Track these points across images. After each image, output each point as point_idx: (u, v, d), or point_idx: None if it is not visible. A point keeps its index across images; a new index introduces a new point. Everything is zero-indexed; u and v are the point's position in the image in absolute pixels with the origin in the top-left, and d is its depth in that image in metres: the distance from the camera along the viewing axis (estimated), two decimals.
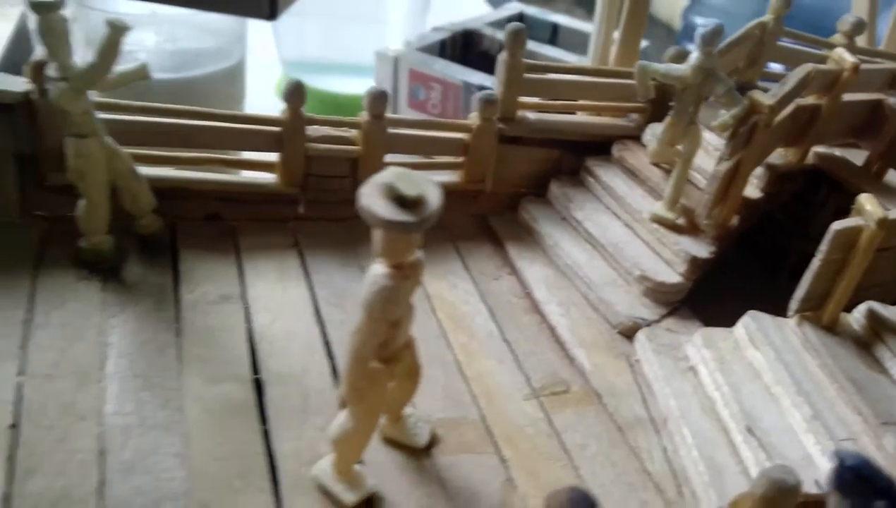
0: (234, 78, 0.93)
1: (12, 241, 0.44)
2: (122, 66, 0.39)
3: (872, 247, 0.40)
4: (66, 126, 0.40)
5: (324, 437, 0.37)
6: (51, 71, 0.39)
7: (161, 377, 0.39)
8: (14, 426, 0.34)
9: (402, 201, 0.27)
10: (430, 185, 0.28)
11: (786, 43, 0.61)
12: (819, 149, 0.55)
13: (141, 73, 0.40)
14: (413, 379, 0.35)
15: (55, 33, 0.37)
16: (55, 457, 0.33)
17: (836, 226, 0.40)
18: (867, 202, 0.40)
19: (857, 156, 0.56)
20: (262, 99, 1.00)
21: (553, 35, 1.37)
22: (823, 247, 0.41)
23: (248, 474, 0.35)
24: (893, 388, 0.40)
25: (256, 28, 1.20)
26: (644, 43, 0.64)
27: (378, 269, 0.30)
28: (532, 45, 0.96)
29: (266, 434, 0.37)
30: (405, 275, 0.30)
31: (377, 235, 0.29)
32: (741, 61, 0.62)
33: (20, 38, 1.07)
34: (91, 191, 0.41)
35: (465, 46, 1.25)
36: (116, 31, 0.37)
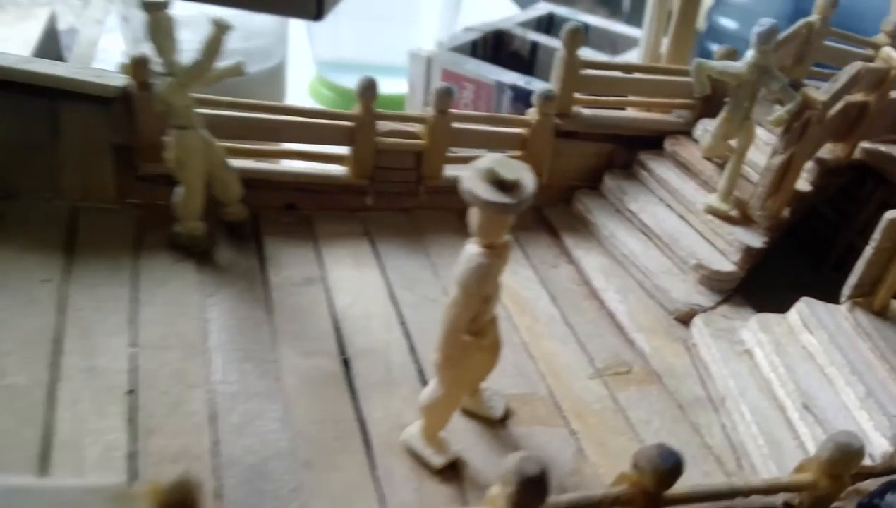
0: (275, 78, 0.96)
1: (111, 226, 0.47)
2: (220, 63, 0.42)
3: None
4: (170, 118, 0.43)
5: (408, 406, 0.40)
6: (156, 66, 0.42)
7: (258, 350, 0.42)
8: (132, 391, 0.38)
9: (501, 184, 0.30)
10: (525, 171, 0.31)
11: (831, 42, 0.63)
12: (866, 144, 0.57)
13: (236, 70, 0.43)
14: (495, 353, 0.38)
15: (162, 31, 0.40)
16: (172, 420, 0.37)
17: (890, 215, 0.42)
18: None
19: None
20: (297, 99, 1.03)
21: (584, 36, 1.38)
22: (876, 235, 0.43)
23: (344, 437, 0.38)
24: None
25: (291, 29, 1.23)
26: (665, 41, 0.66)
27: (474, 248, 0.33)
28: (559, 44, 0.99)
29: (356, 403, 0.40)
30: (498, 254, 0.33)
31: (474, 216, 0.32)
32: (788, 60, 0.64)
33: (49, 38, 1.11)
34: (189, 180, 0.45)
35: (495, 46, 1.27)
36: (220, 29, 0.40)
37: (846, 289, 0.45)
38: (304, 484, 0.35)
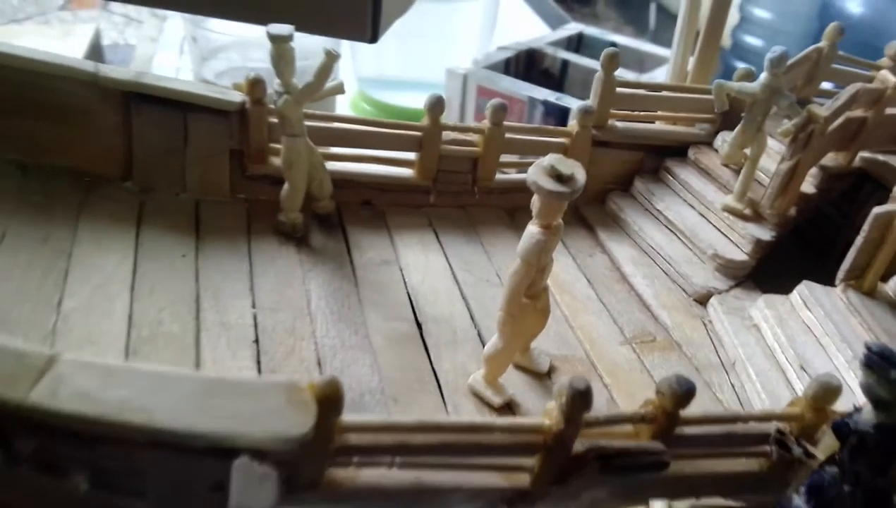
0: (325, 101, 1.06)
1: (227, 215, 0.58)
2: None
3: None
4: (284, 128, 0.53)
5: (471, 360, 0.49)
6: (275, 86, 0.52)
7: (350, 314, 0.52)
8: (256, 341, 0.48)
9: (559, 177, 0.39)
10: (579, 167, 0.40)
11: (838, 66, 0.72)
12: (865, 154, 0.65)
13: (339, 89, 0.54)
14: (545, 315, 0.47)
15: (285, 59, 0.50)
16: (288, 364, 0.47)
17: (877, 210, 0.51)
18: None
19: None
20: (340, 112, 1.13)
21: None
22: (865, 227, 0.51)
23: (421, 381, 0.48)
24: None
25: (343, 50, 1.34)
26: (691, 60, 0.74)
27: (534, 228, 0.42)
28: (589, 62, 1.08)
29: (429, 357, 0.50)
30: (553, 233, 0.42)
31: (536, 202, 0.41)
32: (800, 80, 0.72)
33: (94, 53, 1.22)
34: (295, 178, 0.55)
35: (528, 64, 1.37)
36: (331, 57, 0.50)
37: (840, 273, 0.54)
38: (392, 415, 0.45)
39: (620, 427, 0.38)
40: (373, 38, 1.20)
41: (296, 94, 0.51)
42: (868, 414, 0.35)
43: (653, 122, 0.73)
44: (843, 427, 0.36)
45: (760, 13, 1.92)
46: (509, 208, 0.68)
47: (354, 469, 0.37)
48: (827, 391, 0.39)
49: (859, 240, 0.52)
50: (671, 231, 0.64)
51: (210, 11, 1.10)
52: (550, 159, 0.40)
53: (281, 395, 0.31)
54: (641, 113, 0.71)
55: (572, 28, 1.72)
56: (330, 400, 0.32)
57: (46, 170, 0.52)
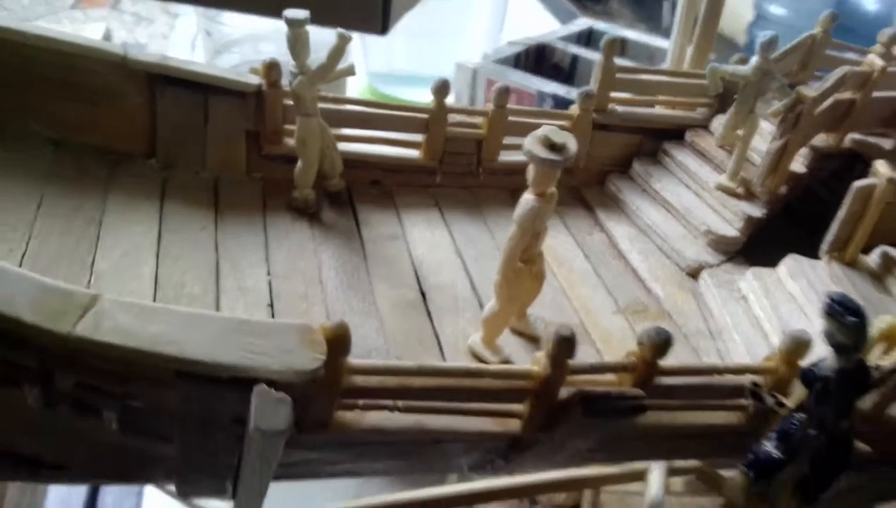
0: (335, 89, 1.09)
1: (244, 192, 0.61)
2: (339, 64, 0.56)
3: (883, 201, 0.53)
4: (298, 108, 0.57)
5: (470, 325, 0.53)
6: (290, 68, 0.56)
7: (359, 283, 0.55)
8: (271, 305, 0.51)
9: (552, 146, 0.42)
10: (570, 137, 0.43)
11: (832, 52, 0.74)
12: (855, 135, 0.67)
13: (350, 71, 0.57)
14: (540, 281, 0.51)
15: (301, 42, 0.54)
16: None
17: (857, 183, 0.53)
18: (881, 166, 0.53)
19: (889, 143, 0.68)
20: None
21: (622, 48, 1.51)
22: (847, 200, 0.54)
23: (424, 343, 0.51)
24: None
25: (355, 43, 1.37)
26: (712, 56, 0.77)
27: (529, 196, 0.45)
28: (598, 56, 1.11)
29: (432, 321, 0.53)
30: (546, 201, 0.45)
31: (531, 172, 0.45)
32: (795, 66, 0.75)
33: None
34: (308, 156, 0.59)
35: (537, 59, 1.40)
36: (343, 40, 0.54)
37: (824, 246, 0.56)
38: None
39: (604, 376, 0.41)
40: (383, 31, 1.24)
41: (309, 75, 0.55)
42: (830, 361, 0.38)
43: (653, 107, 0.76)
44: (808, 375, 0.39)
45: (776, 10, 1.93)
46: (512, 189, 0.71)
47: (360, 412, 0.40)
48: (799, 345, 0.42)
49: (841, 214, 0.55)
50: (667, 210, 0.67)
51: (226, 4, 1.14)
52: (545, 130, 0.43)
53: (296, 335, 0.35)
54: (640, 97, 0.74)
55: (582, 23, 1.74)
56: (339, 340, 0.35)
57: (77, 147, 0.56)
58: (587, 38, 1.74)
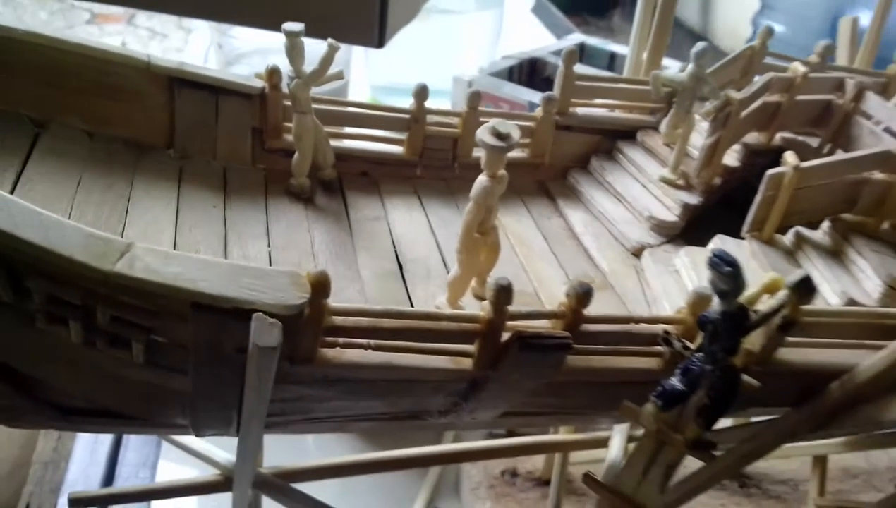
0: (340, 96, 1.19)
1: (249, 179, 0.71)
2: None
3: (792, 186, 0.62)
4: (294, 107, 0.67)
5: (439, 290, 0.62)
6: (287, 72, 0.66)
7: (345, 255, 0.65)
8: None
9: (499, 135, 0.52)
10: (514, 128, 0.53)
11: (769, 61, 0.84)
12: (785, 134, 0.77)
13: (339, 76, 0.67)
14: (495, 251, 0.60)
15: (297, 50, 0.64)
16: None
17: (770, 171, 0.63)
18: (789, 156, 0.62)
19: (816, 141, 0.77)
20: None
21: (611, 62, 1.61)
22: (762, 186, 0.63)
23: (398, 303, 0.60)
24: None
25: (352, 56, 1.47)
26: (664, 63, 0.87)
27: (483, 177, 0.55)
28: (590, 70, 1.20)
29: (406, 287, 0.62)
30: (497, 182, 0.55)
31: (483, 157, 0.54)
32: (737, 74, 0.84)
33: None
34: (303, 148, 0.68)
35: (530, 72, 1.50)
36: (332, 49, 0.63)
37: (745, 226, 0.65)
38: None
39: (539, 322, 0.51)
40: (380, 44, 1.35)
41: (304, 78, 0.64)
42: (716, 306, 0.47)
43: (613, 110, 0.86)
44: (702, 320, 0.48)
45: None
46: None
47: (340, 350, 0.49)
48: (702, 299, 0.51)
49: (758, 198, 0.64)
50: (617, 199, 0.77)
51: (234, 19, 1.25)
52: (493, 122, 0.52)
53: (286, 279, 0.44)
54: (599, 102, 0.84)
55: (574, 38, 1.85)
56: (320, 284, 0.45)
57: (108, 138, 0.65)
58: (579, 53, 1.84)
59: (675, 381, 0.49)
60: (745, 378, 0.49)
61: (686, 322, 0.52)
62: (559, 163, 0.83)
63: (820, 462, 1.00)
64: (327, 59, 0.64)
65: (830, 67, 0.86)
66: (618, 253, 0.71)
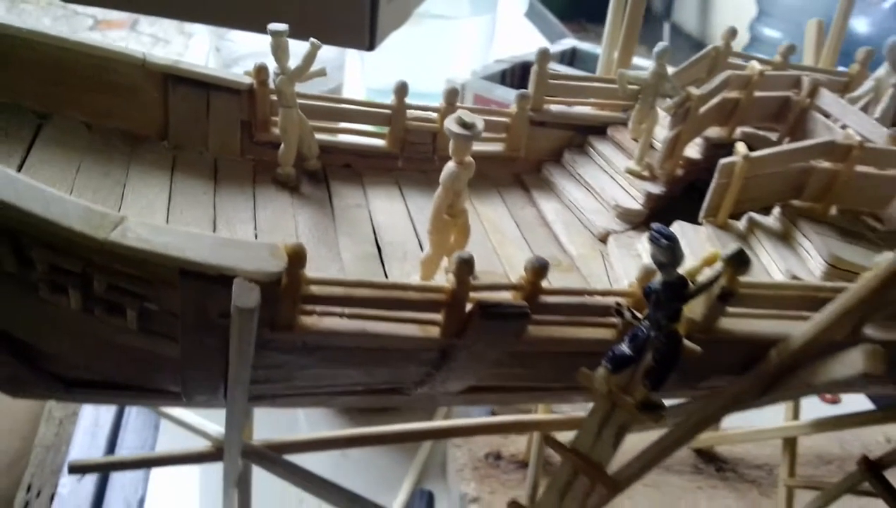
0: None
1: (238, 170, 0.75)
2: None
3: (743, 174, 0.66)
4: (280, 101, 0.71)
5: (414, 270, 0.66)
6: (274, 69, 0.70)
7: (327, 238, 0.69)
8: None
9: (464, 124, 0.57)
10: (479, 119, 0.57)
11: (733, 60, 0.88)
12: (745, 128, 0.81)
13: (321, 73, 0.72)
14: (465, 234, 0.64)
15: (281, 48, 0.68)
16: None
17: (722, 161, 0.67)
18: (740, 147, 0.66)
19: (775, 136, 0.82)
20: None
21: None
22: (716, 174, 0.68)
23: (377, 278, 0.65)
24: (756, 259, 0.66)
25: (347, 58, 1.52)
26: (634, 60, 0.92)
27: (451, 164, 0.59)
28: (566, 70, 1.25)
29: (384, 267, 0.67)
30: (464, 168, 0.59)
31: (451, 145, 0.59)
32: (703, 73, 0.89)
33: None
34: (289, 140, 0.73)
35: (523, 76, 1.55)
36: (314, 47, 0.68)
37: (701, 212, 0.70)
38: None
39: (502, 295, 0.55)
40: (370, 47, 1.40)
41: (289, 74, 0.69)
42: (658, 276, 0.51)
43: (587, 107, 0.90)
44: (647, 290, 0.52)
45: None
46: None
47: (318, 317, 0.54)
48: (649, 273, 0.55)
49: (712, 186, 0.68)
50: (587, 189, 0.81)
51: (226, 23, 1.30)
52: (459, 112, 0.57)
53: (266, 250, 0.48)
54: (572, 99, 0.88)
55: (566, 43, 1.90)
56: (296, 255, 0.49)
57: (106, 130, 0.70)
58: (570, 57, 1.89)
59: (623, 347, 0.53)
60: (687, 343, 0.53)
61: (636, 294, 0.57)
62: (534, 156, 0.87)
63: (790, 444, 1.05)
64: (310, 57, 0.68)
65: (794, 67, 0.90)
66: (586, 239, 0.76)
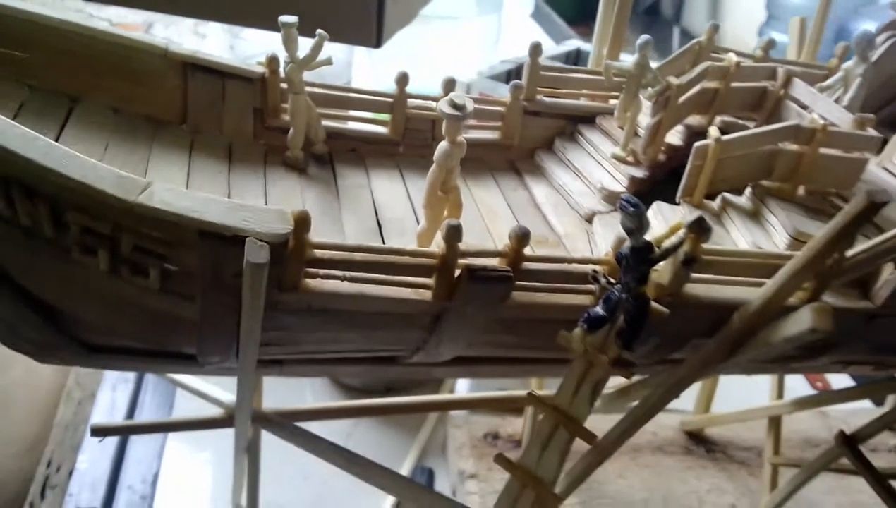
0: None
1: (251, 153, 0.81)
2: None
3: (716, 157, 0.72)
4: (289, 88, 0.77)
5: (411, 243, 0.72)
6: (285, 58, 0.76)
7: (331, 214, 0.75)
8: None
9: (455, 106, 0.62)
10: (469, 101, 0.63)
11: (715, 55, 0.93)
12: (725, 117, 0.87)
13: (328, 62, 0.78)
14: (457, 210, 0.70)
15: (291, 39, 0.74)
16: None
17: (696, 144, 0.72)
18: (712, 130, 0.72)
19: (753, 124, 0.87)
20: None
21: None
22: (690, 156, 0.73)
23: None
24: (727, 234, 0.72)
25: (356, 57, 1.58)
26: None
27: (443, 143, 0.65)
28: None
29: (383, 240, 0.73)
30: (456, 146, 0.65)
31: (444, 125, 0.64)
32: (687, 65, 0.94)
33: None
34: (297, 124, 0.79)
35: None
36: (321, 37, 0.74)
37: (678, 192, 0.75)
38: None
39: (488, 260, 0.61)
40: (377, 44, 1.46)
41: (298, 63, 0.75)
42: (627, 242, 0.57)
43: (579, 99, 0.96)
44: (618, 256, 0.58)
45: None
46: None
47: (321, 281, 0.59)
48: (621, 242, 0.61)
49: (688, 167, 0.73)
50: (575, 174, 0.87)
51: (238, 20, 1.36)
52: (451, 95, 0.63)
53: (275, 214, 0.54)
54: (564, 91, 0.94)
55: (571, 44, 1.96)
56: (302, 220, 0.55)
57: (131, 114, 0.76)
58: (575, 58, 1.94)
59: (598, 309, 0.59)
60: (655, 305, 0.58)
61: (611, 262, 0.62)
62: (528, 144, 0.93)
63: (775, 423, 1.09)
64: (317, 46, 0.74)
65: (775, 60, 0.95)
66: (573, 219, 0.81)
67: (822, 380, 1.38)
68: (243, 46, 1.77)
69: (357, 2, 1.35)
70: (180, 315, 0.62)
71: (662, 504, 1.11)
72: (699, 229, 0.56)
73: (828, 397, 0.99)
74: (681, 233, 0.57)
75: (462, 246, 0.59)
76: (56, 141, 0.68)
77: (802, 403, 1.01)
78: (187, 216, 0.52)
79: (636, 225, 0.55)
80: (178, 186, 0.69)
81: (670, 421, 1.26)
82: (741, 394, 1.21)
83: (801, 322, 0.53)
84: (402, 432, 1.29)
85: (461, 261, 0.59)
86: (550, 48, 2.35)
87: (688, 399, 1.27)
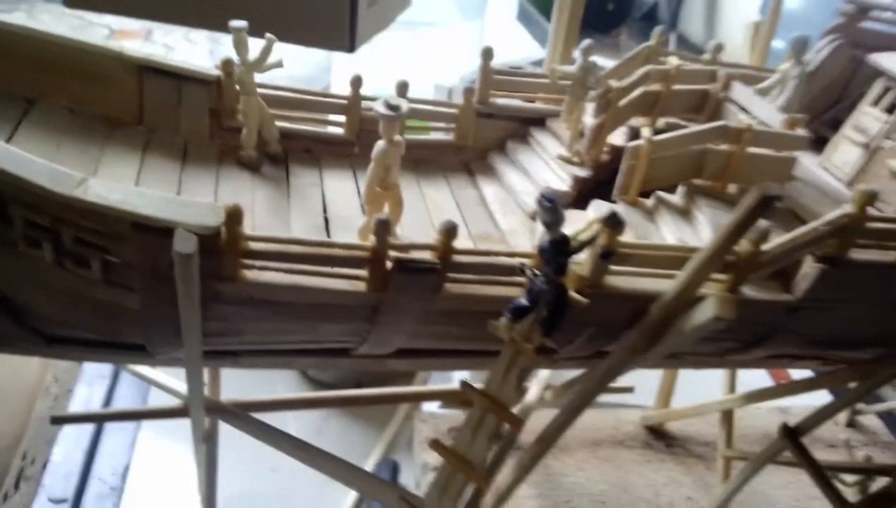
0: None
1: (206, 153, 0.84)
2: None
3: (648, 156, 0.74)
4: (241, 89, 0.80)
5: (354, 239, 0.75)
6: (236, 61, 0.79)
7: (280, 212, 0.78)
8: None
9: (391, 107, 0.65)
10: (404, 102, 0.66)
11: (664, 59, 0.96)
12: (669, 119, 0.89)
13: (278, 64, 0.80)
14: (398, 207, 0.73)
15: (242, 42, 0.77)
16: None
17: (629, 144, 0.75)
18: (644, 130, 0.74)
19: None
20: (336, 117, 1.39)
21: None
22: (624, 156, 0.76)
23: None
24: (657, 234, 0.74)
25: (334, 61, 1.60)
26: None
27: (381, 142, 0.68)
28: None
29: (329, 236, 0.75)
30: (394, 145, 0.68)
31: (380, 125, 0.67)
32: (636, 69, 0.97)
33: None
34: (250, 124, 0.82)
35: None
36: (270, 42, 0.77)
37: (614, 191, 0.78)
38: None
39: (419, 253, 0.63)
40: (351, 49, 1.49)
41: (248, 65, 0.78)
42: (546, 235, 0.59)
43: (533, 102, 0.99)
44: (540, 248, 0.60)
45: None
46: (414, 160, 0.93)
47: (257, 271, 0.62)
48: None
49: (622, 166, 0.76)
50: (524, 174, 0.89)
51: (201, 24, 1.39)
52: (386, 96, 0.66)
53: (206, 207, 0.57)
54: (517, 93, 0.97)
55: None
56: (233, 214, 0.58)
57: (86, 115, 0.79)
58: None
59: (521, 299, 0.61)
60: (574, 295, 0.61)
61: (528, 257, 0.65)
62: (482, 145, 0.96)
63: (727, 417, 1.12)
64: (266, 50, 0.77)
65: (723, 64, 0.98)
66: (518, 217, 0.84)
67: (786, 376, 1.41)
68: (221, 51, 1.81)
69: (330, 7, 1.38)
70: (126, 306, 0.65)
71: (619, 496, 1.14)
72: (613, 224, 0.58)
73: (778, 390, 1.01)
74: (595, 226, 0.59)
75: (398, 240, 0.62)
76: (8, 141, 0.71)
77: (753, 397, 1.04)
78: (119, 208, 0.54)
79: (553, 219, 0.58)
80: (125, 184, 0.73)
81: (631, 417, 1.28)
82: (701, 390, 1.24)
83: (706, 310, 0.56)
84: (371, 427, 1.32)
85: (393, 254, 0.62)
86: (536, 51, 2.38)
87: (650, 395, 1.30)
